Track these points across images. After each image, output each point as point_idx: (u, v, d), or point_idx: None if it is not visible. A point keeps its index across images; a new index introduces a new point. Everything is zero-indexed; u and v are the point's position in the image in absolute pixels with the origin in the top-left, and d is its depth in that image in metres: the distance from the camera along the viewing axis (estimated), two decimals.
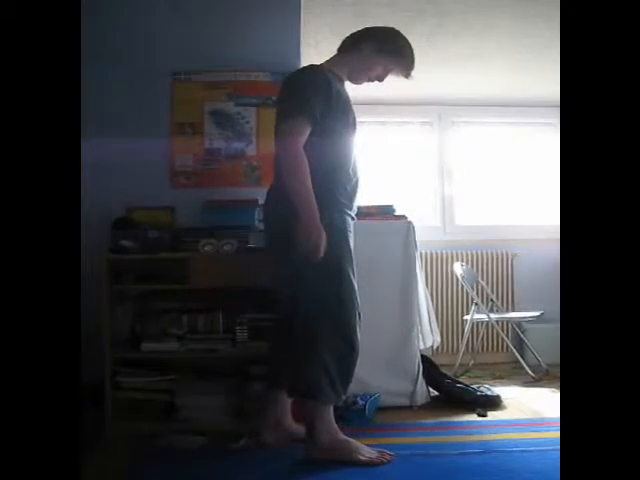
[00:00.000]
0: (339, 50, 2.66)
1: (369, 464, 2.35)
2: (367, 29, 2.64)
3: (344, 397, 2.48)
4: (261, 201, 3.16)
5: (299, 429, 2.59)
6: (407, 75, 2.66)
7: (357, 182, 2.55)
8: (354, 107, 2.57)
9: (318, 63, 2.60)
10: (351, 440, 2.44)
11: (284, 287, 2.48)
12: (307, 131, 2.35)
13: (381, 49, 2.58)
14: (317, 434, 2.40)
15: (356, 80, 2.65)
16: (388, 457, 2.40)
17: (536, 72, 4.50)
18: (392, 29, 2.65)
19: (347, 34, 2.68)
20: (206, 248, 3.02)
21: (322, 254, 2.31)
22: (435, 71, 4.45)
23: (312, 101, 2.36)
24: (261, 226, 3.10)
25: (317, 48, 3.86)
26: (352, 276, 2.46)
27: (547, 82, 4.34)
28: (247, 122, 3.45)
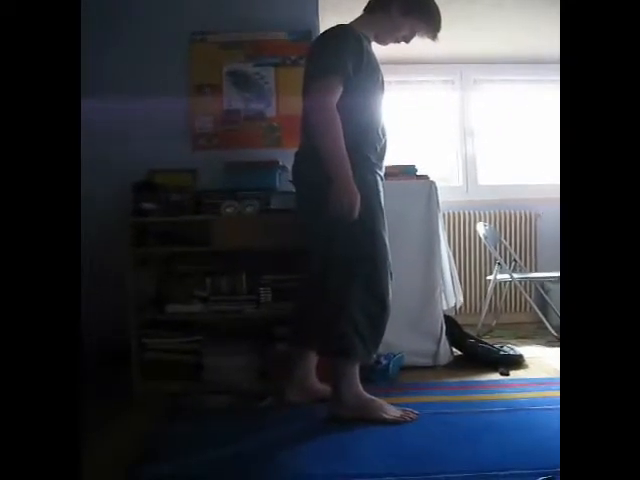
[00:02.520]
0: (365, 10, 2.62)
1: (393, 422, 2.37)
2: None
3: (374, 355, 2.50)
4: (282, 162, 3.17)
5: (324, 388, 2.61)
6: (434, 37, 2.63)
7: (386, 143, 2.54)
8: None
9: (336, 20, 2.55)
10: (375, 399, 2.46)
11: (316, 247, 2.48)
12: (340, 90, 2.33)
13: (409, 10, 2.54)
14: (343, 392, 2.42)
15: (383, 41, 2.62)
16: (412, 415, 2.42)
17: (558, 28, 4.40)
18: None
19: (364, 1, 2.64)
20: (228, 210, 3.03)
21: (357, 214, 2.30)
22: (456, 29, 4.36)
23: (344, 59, 2.33)
24: (282, 187, 3.11)
25: (335, 5, 3.79)
26: (384, 235, 2.46)
27: None
28: (266, 82, 3.42)
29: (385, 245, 2.46)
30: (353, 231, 2.35)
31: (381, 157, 2.51)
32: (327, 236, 2.41)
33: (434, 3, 2.60)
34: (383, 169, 2.55)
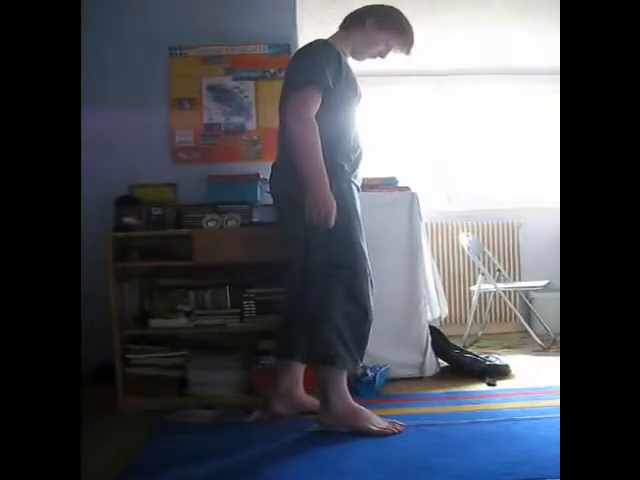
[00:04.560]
0: (341, 27, 2.70)
1: (380, 434, 2.36)
2: (368, 6, 2.69)
3: (360, 364, 2.51)
4: (263, 175, 3.16)
5: (311, 401, 2.62)
6: (407, 51, 2.72)
7: (361, 153, 2.59)
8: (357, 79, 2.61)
9: (314, 34, 2.64)
10: (364, 409, 2.46)
11: (295, 257, 2.49)
12: (319, 101, 2.39)
13: (383, 25, 2.63)
14: (331, 401, 2.42)
15: (359, 56, 2.70)
16: (399, 427, 2.41)
17: (536, 39, 4.45)
18: (392, 7, 2.70)
19: (347, 10, 2.72)
20: (210, 224, 3.02)
21: (333, 222, 2.34)
22: (435, 40, 4.41)
23: (325, 72, 2.39)
24: (264, 200, 3.10)
25: (313, 19, 3.81)
26: (362, 243, 2.49)
27: (548, 49, 4.30)
28: (245, 96, 3.43)
29: (363, 252, 2.48)
30: (331, 239, 2.39)
31: (356, 167, 2.56)
32: (305, 245, 2.43)
33: (406, 19, 2.68)
34: (359, 179, 2.60)
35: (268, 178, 2.65)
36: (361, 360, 2.49)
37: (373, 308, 2.49)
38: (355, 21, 2.65)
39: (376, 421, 2.42)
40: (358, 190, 2.57)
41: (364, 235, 2.52)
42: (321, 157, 2.33)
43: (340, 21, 2.70)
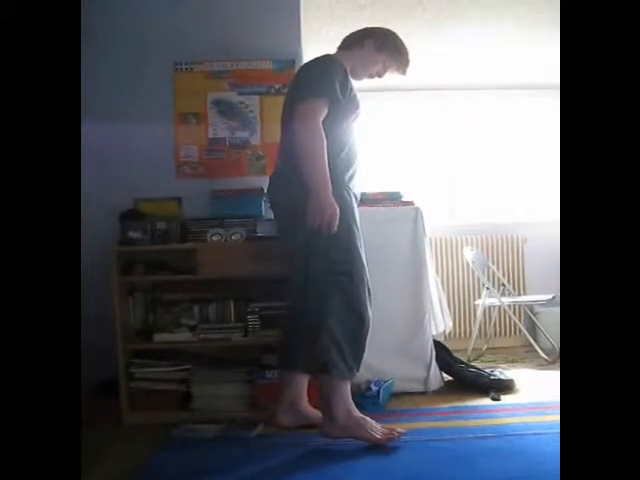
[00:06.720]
0: (340, 48, 2.79)
1: (383, 442, 2.39)
2: (366, 29, 2.79)
3: (357, 372, 2.51)
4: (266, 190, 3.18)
5: (315, 413, 2.61)
6: (403, 72, 2.82)
7: (358, 165, 2.65)
8: (359, 94, 2.66)
9: (316, 50, 2.70)
10: (367, 418, 2.47)
11: (295, 265, 2.51)
12: (325, 111, 2.46)
13: (381, 46, 2.74)
14: (333, 410, 2.43)
15: (358, 75, 2.77)
16: (399, 431, 2.43)
17: (544, 54, 4.46)
18: (389, 30, 2.80)
19: (346, 28, 2.82)
20: (214, 238, 3.03)
21: (335, 228, 2.38)
22: (441, 55, 4.43)
23: (334, 84, 2.48)
24: (268, 215, 3.11)
25: (317, 35, 3.84)
26: (361, 250, 2.52)
27: (556, 64, 4.31)
28: (251, 111, 3.45)
29: (362, 260, 2.52)
30: (331, 245, 2.43)
31: (353, 176, 2.61)
32: (306, 251, 2.46)
33: (402, 41, 2.78)
34: (356, 189, 2.64)
35: (267, 189, 2.69)
36: (357, 369, 2.50)
37: (371, 316, 2.50)
38: (354, 42, 2.75)
39: (379, 430, 2.44)
40: (356, 199, 2.62)
41: (363, 243, 2.55)
42: (327, 165, 2.40)
43: (339, 40, 2.78)
